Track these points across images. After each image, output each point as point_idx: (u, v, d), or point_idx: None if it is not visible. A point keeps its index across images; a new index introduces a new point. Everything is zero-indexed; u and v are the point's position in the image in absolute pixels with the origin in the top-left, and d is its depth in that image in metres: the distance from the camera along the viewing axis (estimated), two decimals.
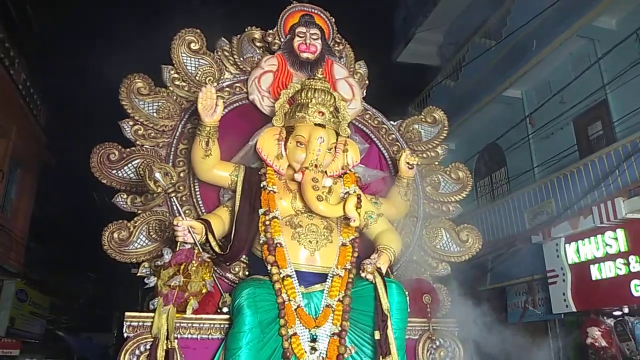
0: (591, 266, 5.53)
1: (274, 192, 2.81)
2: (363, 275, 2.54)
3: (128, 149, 2.98)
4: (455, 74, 9.16)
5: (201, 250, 2.45)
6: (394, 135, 3.56)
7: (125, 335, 2.34)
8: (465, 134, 7.58)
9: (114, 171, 2.92)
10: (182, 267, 2.38)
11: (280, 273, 2.54)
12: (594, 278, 5.49)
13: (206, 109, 2.67)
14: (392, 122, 3.63)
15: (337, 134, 2.97)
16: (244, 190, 2.81)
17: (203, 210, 2.97)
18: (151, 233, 2.89)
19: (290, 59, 3.40)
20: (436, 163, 3.59)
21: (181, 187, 3.00)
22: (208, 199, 3.04)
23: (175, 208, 2.51)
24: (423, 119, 3.68)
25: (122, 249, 2.83)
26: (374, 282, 2.49)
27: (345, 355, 2.43)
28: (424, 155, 3.59)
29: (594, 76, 6.40)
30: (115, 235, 2.85)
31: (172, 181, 2.46)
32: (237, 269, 2.94)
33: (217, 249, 2.57)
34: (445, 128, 3.66)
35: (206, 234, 2.54)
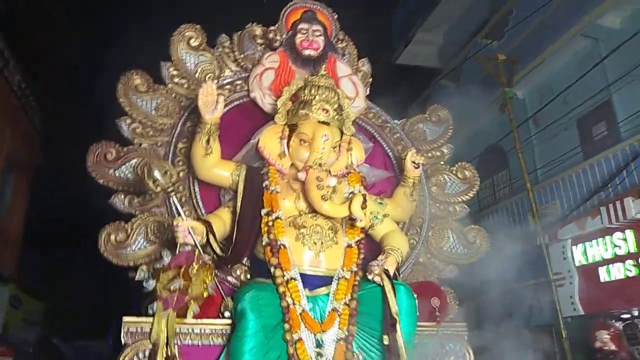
0: (599, 268, 5.48)
1: (277, 192, 2.74)
2: (370, 277, 2.47)
3: (125, 148, 2.91)
4: (457, 76, 9.13)
5: (202, 252, 2.38)
6: (398, 134, 3.50)
7: (123, 341, 2.26)
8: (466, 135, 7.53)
9: (111, 171, 2.85)
10: (182, 269, 2.30)
11: (284, 276, 2.47)
12: (602, 280, 5.44)
13: (207, 106, 2.61)
14: (396, 121, 3.57)
15: (341, 132, 2.91)
16: (246, 190, 2.74)
17: (203, 212, 2.90)
18: (149, 235, 2.81)
19: (292, 56, 3.34)
20: (441, 163, 3.53)
21: (180, 188, 2.93)
22: (208, 199, 2.97)
23: (175, 208, 2.43)
24: (427, 118, 3.62)
25: (119, 252, 2.75)
26: (381, 284, 2.42)
27: None
28: (429, 154, 3.53)
29: (598, 76, 6.37)
30: (112, 237, 2.77)
31: (172, 180, 2.39)
32: (238, 272, 2.86)
33: (218, 250, 2.50)
34: (450, 127, 3.60)
35: (207, 235, 2.47)
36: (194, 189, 2.96)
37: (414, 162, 3.03)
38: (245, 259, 2.85)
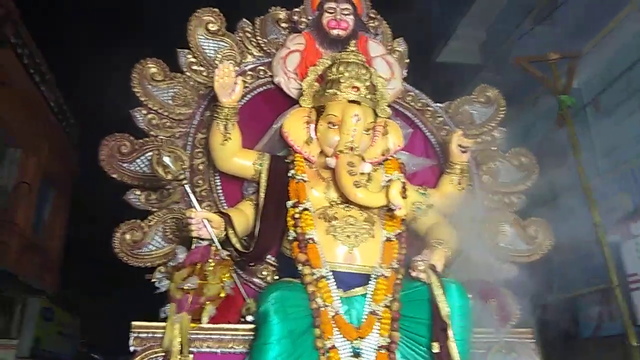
0: None
1: (304, 181, 2.48)
2: (414, 274, 2.15)
3: (141, 140, 2.74)
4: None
5: (220, 248, 2.13)
6: (441, 118, 3.17)
7: (132, 348, 2.04)
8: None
9: (126, 164, 2.68)
10: (198, 267, 2.07)
11: (314, 274, 2.19)
12: None
13: (224, 88, 2.41)
14: (438, 104, 3.25)
15: (376, 115, 2.62)
16: (270, 180, 2.50)
17: (225, 207, 2.68)
18: (167, 233, 2.62)
19: (319, 37, 3.09)
20: (493, 148, 3.16)
21: (200, 181, 2.73)
22: (231, 193, 2.75)
23: (189, 199, 2.20)
24: (475, 99, 3.27)
25: (135, 252, 2.57)
26: (428, 282, 2.09)
27: None
28: (478, 139, 3.17)
29: None
30: (128, 236, 2.59)
31: (184, 166, 2.17)
32: (265, 273, 2.61)
33: (238, 246, 2.25)
34: (502, 108, 3.23)
35: (226, 229, 2.23)
36: (215, 183, 2.75)
37: (460, 146, 2.71)
38: (273, 257, 2.60)
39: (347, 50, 2.68)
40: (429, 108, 3.19)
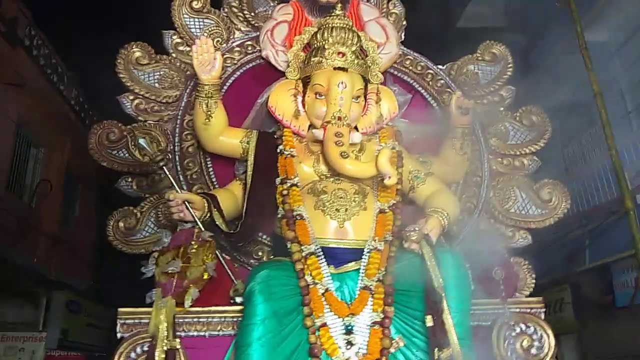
0: None
1: (293, 156, 2.40)
2: (406, 245, 2.05)
3: (129, 126, 2.71)
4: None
5: (202, 229, 2.09)
6: (443, 81, 3.00)
7: (119, 335, 2.03)
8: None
9: (115, 152, 2.67)
10: (181, 250, 2.04)
11: (302, 251, 2.11)
12: None
13: (203, 65, 2.36)
14: (440, 66, 3.08)
15: (367, 81, 2.50)
16: (258, 158, 2.43)
17: (217, 188, 2.63)
18: (160, 218, 2.61)
19: (308, 5, 2.97)
20: (501, 109, 2.98)
21: (190, 164, 2.70)
22: (223, 174, 2.71)
23: (170, 181, 2.17)
24: (479, 57, 3.08)
25: (128, 239, 2.59)
26: (420, 253, 1.99)
27: (392, 350, 1.95)
28: (484, 100, 3.00)
29: None
30: (121, 224, 2.60)
31: (161, 148, 2.13)
32: (260, 253, 2.58)
33: (224, 227, 2.21)
34: (510, 65, 3.03)
35: (210, 210, 2.18)
36: (207, 165, 2.71)
37: (460, 108, 2.56)
38: (267, 237, 2.55)
39: (332, 14, 2.55)
40: (429, 71, 3.03)
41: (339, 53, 2.40)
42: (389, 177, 2.14)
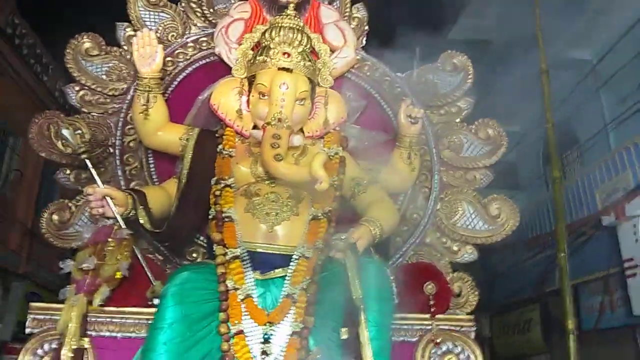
0: None
1: (231, 156, 2.34)
2: (331, 254, 1.98)
3: (70, 118, 2.65)
4: None
5: (123, 226, 2.02)
6: (400, 89, 2.94)
7: (28, 330, 1.96)
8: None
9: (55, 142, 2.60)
10: (99, 247, 1.97)
11: (227, 254, 2.05)
12: None
13: (143, 58, 2.32)
14: (399, 74, 3.02)
15: (314, 84, 2.45)
16: (196, 156, 2.38)
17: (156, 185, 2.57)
18: None
19: (267, 4, 2.91)
20: (457, 120, 2.92)
21: (130, 159, 2.64)
22: (164, 171, 2.65)
23: (91, 175, 2.10)
24: (440, 67, 3.03)
25: (60, 232, 2.52)
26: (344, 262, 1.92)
27: None
28: (442, 111, 2.94)
29: None
30: (55, 216, 2.53)
31: (84, 140, 2.06)
32: (194, 255, 2.53)
33: (148, 226, 2.14)
34: (470, 76, 2.98)
35: (135, 207, 2.11)
36: (148, 160, 2.65)
37: (409, 116, 2.50)
38: (202, 238, 2.49)
39: (283, 14, 2.51)
40: (386, 78, 2.98)
41: (284, 53, 2.35)
42: (321, 182, 2.07)
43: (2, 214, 6.60)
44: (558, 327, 5.56)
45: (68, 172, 2.62)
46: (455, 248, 2.67)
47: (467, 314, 2.47)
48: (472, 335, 2.13)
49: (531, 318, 5.52)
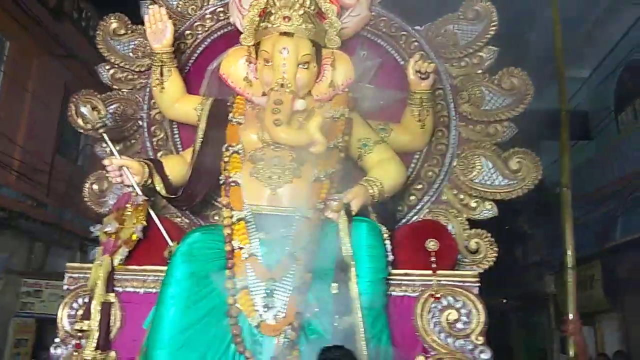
0: None
1: (240, 124, 2.45)
2: (326, 214, 2.05)
3: (103, 95, 2.88)
4: None
5: (139, 193, 2.23)
6: (417, 42, 2.85)
7: (65, 287, 2.25)
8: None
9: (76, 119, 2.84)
10: (120, 212, 2.19)
11: (233, 216, 2.19)
12: None
13: (155, 34, 2.45)
14: (417, 27, 2.92)
15: (319, 46, 2.45)
16: (209, 125, 2.52)
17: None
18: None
19: None
20: (478, 71, 2.79)
21: (157, 131, 2.83)
22: (189, 142, 2.78)
23: (109, 148, 2.31)
24: (461, 16, 2.87)
25: (100, 200, 2.78)
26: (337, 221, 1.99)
27: (307, 315, 2.00)
28: (462, 63, 2.82)
29: None
30: (95, 186, 2.81)
31: (101, 115, 2.26)
32: (217, 218, 2.67)
33: (163, 192, 2.32)
34: (494, 23, 2.80)
35: (151, 175, 2.31)
36: (173, 132, 2.83)
37: (419, 72, 2.44)
38: None
39: None
40: (403, 33, 2.89)
41: (284, 17, 2.37)
42: (317, 144, 2.13)
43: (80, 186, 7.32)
44: (621, 282, 5.25)
45: (104, 145, 2.87)
46: (473, 204, 2.61)
47: (485, 269, 2.45)
48: (475, 290, 2.12)
49: (593, 275, 5.25)
